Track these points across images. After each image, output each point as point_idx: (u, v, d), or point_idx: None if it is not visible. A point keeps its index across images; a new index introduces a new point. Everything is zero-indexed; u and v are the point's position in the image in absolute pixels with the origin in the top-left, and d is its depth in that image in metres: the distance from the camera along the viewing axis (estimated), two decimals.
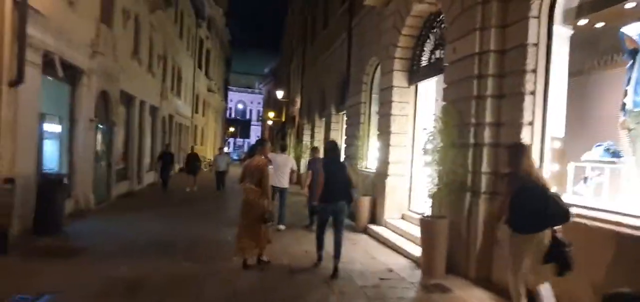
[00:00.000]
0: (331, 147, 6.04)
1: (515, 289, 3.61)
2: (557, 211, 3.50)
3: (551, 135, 4.83)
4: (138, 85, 13.90)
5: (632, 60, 4.10)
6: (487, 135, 5.22)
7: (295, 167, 9.01)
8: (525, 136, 4.80)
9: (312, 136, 17.98)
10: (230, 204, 11.45)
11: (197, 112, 31.79)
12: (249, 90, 79.61)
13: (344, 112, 13.44)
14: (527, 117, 4.81)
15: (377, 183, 8.51)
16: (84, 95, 9.50)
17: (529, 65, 4.80)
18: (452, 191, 5.43)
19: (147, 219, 9.25)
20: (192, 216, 9.76)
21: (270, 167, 6.42)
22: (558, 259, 3.46)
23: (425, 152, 5.92)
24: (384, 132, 8.40)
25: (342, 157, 12.81)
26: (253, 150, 5.92)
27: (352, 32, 12.45)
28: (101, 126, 10.85)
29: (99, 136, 10.92)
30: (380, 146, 8.64)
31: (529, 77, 4.80)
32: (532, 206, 3.52)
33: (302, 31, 23.77)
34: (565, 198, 4.64)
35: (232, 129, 62.00)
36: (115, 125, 11.67)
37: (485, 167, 5.23)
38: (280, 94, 26.59)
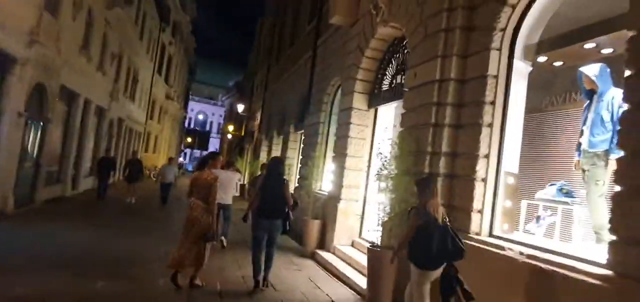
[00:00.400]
0: (275, 164, 5.72)
1: None
2: (456, 249, 3.74)
3: (505, 170, 4.67)
4: (84, 82, 12.87)
5: (589, 101, 4.02)
6: (442, 165, 5.00)
7: (240, 182, 9.57)
8: (480, 169, 4.61)
9: (269, 153, 17.44)
10: (171, 219, 10.55)
11: (152, 118, 30.32)
12: (212, 101, 78.03)
13: (303, 131, 13.09)
14: (483, 149, 4.63)
15: (329, 206, 8.13)
16: (13, 86, 8.52)
17: (488, 97, 4.65)
18: (403, 220, 5.12)
19: (72, 228, 8.29)
20: (125, 230, 8.84)
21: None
22: (453, 293, 3.66)
23: (379, 178, 5.61)
24: (340, 154, 8.09)
25: (296, 177, 12.45)
26: (204, 163, 5.42)
27: (317, 50, 12.24)
28: (32, 122, 9.80)
29: (30, 133, 9.85)
30: (335, 168, 8.31)
31: (487, 108, 4.64)
32: (434, 244, 3.71)
33: (269, 47, 23.45)
34: (517, 236, 4.48)
35: (189, 140, 59.92)
36: (50, 122, 10.62)
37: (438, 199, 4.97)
38: (240, 107, 25.95)
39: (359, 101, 7.98)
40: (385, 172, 5.56)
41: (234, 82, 54.74)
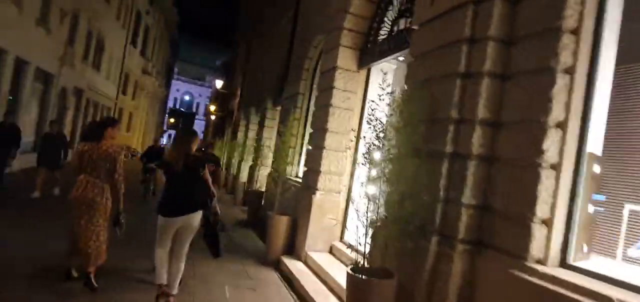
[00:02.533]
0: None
1: None
2: None
3: (589, 151, 2.67)
4: (13, 36, 10.51)
5: None
6: (476, 140, 2.98)
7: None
8: (550, 148, 2.60)
9: (246, 133, 15.31)
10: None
11: (124, 93, 27.83)
12: (199, 82, 75.40)
13: (280, 107, 11.02)
14: (557, 113, 2.61)
15: (302, 199, 6.09)
16: None
17: (568, 21, 2.62)
18: (406, 231, 3.11)
19: None
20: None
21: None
22: None
23: (369, 162, 3.56)
24: (319, 129, 6.03)
25: (269, 161, 10.38)
26: (97, 131, 4.10)
27: (299, 7, 10.10)
28: None
29: None
30: (311, 149, 6.25)
31: (565, 40, 2.61)
32: None
33: (253, 16, 21.13)
34: (609, 268, 2.52)
35: (172, 120, 57.32)
36: None
37: (468, 195, 2.97)
38: (219, 83, 23.63)
39: (345, 59, 5.90)
40: (379, 153, 3.49)
41: (222, 61, 52.15)
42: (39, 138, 13.13)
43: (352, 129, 5.74)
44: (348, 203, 5.79)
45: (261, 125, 12.51)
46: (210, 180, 3.95)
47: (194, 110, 71.96)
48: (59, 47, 14.42)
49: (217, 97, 38.84)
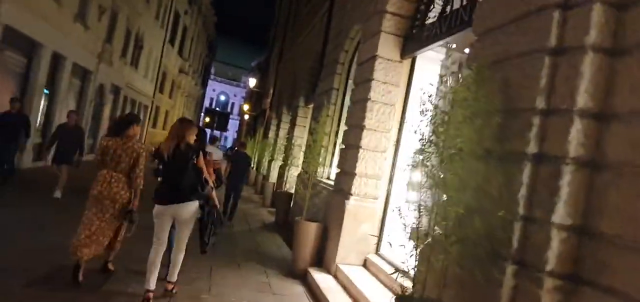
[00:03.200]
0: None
1: None
2: None
3: None
4: (51, 31, 10.53)
5: None
6: (575, 136, 2.19)
7: (219, 158, 7.90)
8: None
9: (278, 133, 14.84)
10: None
11: (162, 92, 28.29)
12: (234, 83, 76.82)
13: (313, 104, 10.42)
14: None
15: (333, 205, 5.40)
16: None
17: None
18: (471, 255, 2.36)
19: None
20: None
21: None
22: None
23: (416, 164, 2.81)
24: (354, 126, 5.33)
25: (300, 161, 9.84)
26: (121, 127, 4.14)
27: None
28: None
29: None
30: (345, 149, 5.56)
31: None
32: None
33: (287, 13, 20.77)
34: None
35: (208, 119, 58.33)
36: None
37: (562, 212, 2.18)
38: (252, 81, 23.40)
39: (387, 46, 5.17)
40: (433, 153, 2.75)
41: (256, 62, 52.58)
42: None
43: (393, 127, 5.01)
44: (385, 211, 5.06)
45: (293, 124, 11.97)
46: (204, 168, 3.81)
47: (229, 110, 73.18)
48: (97, 44, 14.55)
49: (251, 96, 39.06)
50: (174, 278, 3.89)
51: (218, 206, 3.93)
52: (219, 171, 6.01)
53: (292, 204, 9.20)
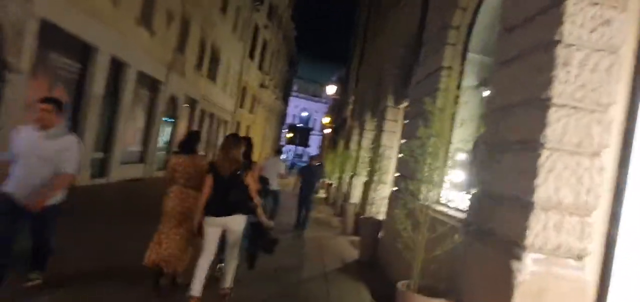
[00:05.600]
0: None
1: None
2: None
3: None
4: (106, 32, 9.52)
5: None
6: None
7: (282, 171, 8.63)
8: None
9: (360, 143, 12.39)
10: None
11: (242, 106, 27.77)
12: (316, 98, 77.03)
13: (407, 102, 7.83)
14: None
15: (477, 267, 2.71)
16: None
17: None
18: None
19: None
20: None
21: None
22: None
23: None
24: (520, 103, 2.64)
25: (391, 176, 7.32)
26: (189, 145, 4.32)
27: None
28: None
29: None
30: (494, 150, 2.86)
31: None
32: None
33: (367, 11, 18.46)
34: None
35: (290, 135, 58.38)
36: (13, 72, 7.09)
37: None
38: (331, 89, 21.40)
39: None
40: None
41: (337, 76, 51.29)
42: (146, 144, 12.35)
43: (619, 99, 2.23)
44: (606, 287, 2.25)
45: (379, 130, 9.44)
46: (252, 185, 4.01)
47: (311, 126, 73.00)
48: (167, 53, 13.71)
49: (333, 108, 37.45)
50: (228, 284, 4.03)
51: (264, 222, 4.16)
52: (265, 179, 6.71)
53: (382, 234, 6.68)
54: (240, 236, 3.98)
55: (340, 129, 23.01)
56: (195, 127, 19.00)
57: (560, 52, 2.28)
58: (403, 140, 7.05)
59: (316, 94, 76.90)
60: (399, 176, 6.11)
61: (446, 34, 5.33)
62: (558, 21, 2.35)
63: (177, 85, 14.92)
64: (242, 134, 29.10)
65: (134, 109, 12.22)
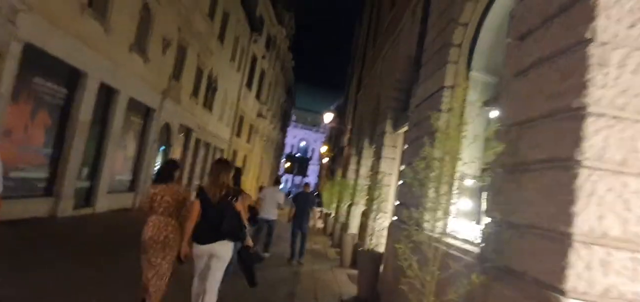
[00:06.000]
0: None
1: None
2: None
3: None
4: (96, 58, 9.24)
5: None
6: None
7: (281, 201, 8.77)
8: None
9: (358, 171, 11.97)
10: None
11: (239, 135, 27.46)
12: (314, 128, 77.07)
13: (406, 126, 7.46)
14: None
15: None
16: None
17: None
18: None
19: None
20: None
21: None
22: None
23: None
24: (546, 116, 2.24)
25: (390, 205, 6.87)
26: (167, 173, 4.20)
27: None
28: None
29: None
30: (513, 172, 2.44)
31: None
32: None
33: (364, 39, 18.43)
34: None
35: (288, 165, 57.91)
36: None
37: None
38: (328, 116, 21.14)
39: None
40: None
41: (335, 105, 51.33)
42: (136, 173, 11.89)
43: None
44: None
45: (378, 156, 9.03)
46: (242, 212, 3.92)
47: (309, 155, 72.65)
48: (162, 80, 13.45)
49: (331, 137, 37.17)
50: None
51: (251, 245, 4.06)
52: (254, 209, 6.79)
53: (382, 268, 6.17)
54: (225, 264, 3.81)
55: (338, 157, 22.61)
56: (189, 156, 18.62)
57: (594, 51, 1.90)
58: (403, 166, 6.63)
59: (314, 124, 77.00)
60: (399, 204, 5.65)
61: (447, 54, 5.01)
62: (588, 17, 1.98)
63: (171, 113, 14.60)
64: (238, 163, 28.51)
65: (125, 136, 11.83)
